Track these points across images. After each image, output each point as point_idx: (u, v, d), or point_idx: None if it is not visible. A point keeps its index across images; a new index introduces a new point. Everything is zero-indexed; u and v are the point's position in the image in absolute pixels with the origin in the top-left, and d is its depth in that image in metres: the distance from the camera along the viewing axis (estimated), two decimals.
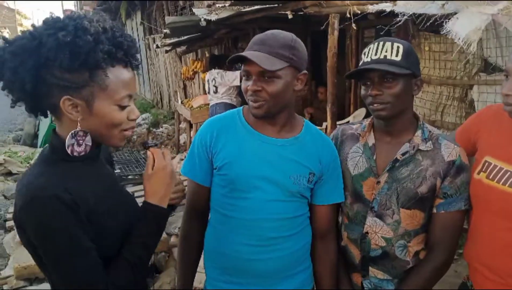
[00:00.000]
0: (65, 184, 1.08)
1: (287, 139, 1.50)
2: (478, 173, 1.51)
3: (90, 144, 1.17)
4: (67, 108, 1.10)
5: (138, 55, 1.21)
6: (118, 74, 1.13)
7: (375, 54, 1.46)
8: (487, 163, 1.50)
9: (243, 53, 1.39)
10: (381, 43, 1.48)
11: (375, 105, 1.48)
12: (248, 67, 1.41)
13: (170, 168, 1.26)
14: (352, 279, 1.68)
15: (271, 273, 1.51)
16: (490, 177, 1.46)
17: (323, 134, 1.61)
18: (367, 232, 1.58)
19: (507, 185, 1.42)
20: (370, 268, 1.61)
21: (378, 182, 1.55)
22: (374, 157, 1.57)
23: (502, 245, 1.45)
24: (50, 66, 1.06)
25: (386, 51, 1.45)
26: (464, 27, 2.24)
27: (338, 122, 4.25)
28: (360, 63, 1.51)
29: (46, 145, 1.22)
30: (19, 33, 1.13)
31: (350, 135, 1.66)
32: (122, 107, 1.16)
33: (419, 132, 1.53)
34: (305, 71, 1.47)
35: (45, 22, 1.10)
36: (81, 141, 1.14)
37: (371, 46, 1.50)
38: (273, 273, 1.51)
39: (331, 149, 1.58)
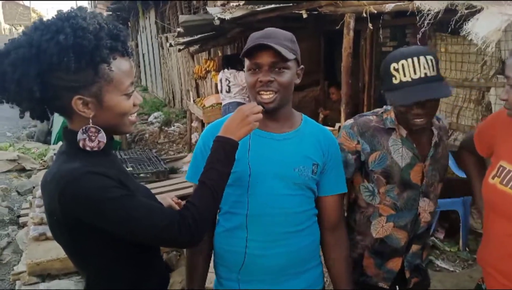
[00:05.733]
0: (92, 166, 1.13)
1: (288, 132, 1.52)
2: (493, 178, 1.51)
3: (104, 140, 1.20)
4: (79, 107, 1.13)
5: (129, 42, 1.26)
6: (120, 65, 1.18)
7: (415, 73, 1.46)
8: (501, 168, 1.49)
9: (261, 42, 1.38)
10: (416, 58, 1.47)
11: (422, 120, 1.54)
12: (258, 59, 1.40)
13: (248, 113, 1.34)
14: (387, 266, 1.72)
15: (279, 269, 1.51)
16: (504, 183, 1.45)
17: (321, 126, 1.65)
18: (419, 213, 1.69)
19: None
20: (413, 245, 1.72)
21: (425, 166, 1.65)
22: (414, 145, 1.64)
23: None
24: (54, 70, 1.08)
25: (424, 68, 1.46)
26: (484, 27, 2.21)
27: None
28: (397, 81, 1.50)
29: (61, 143, 1.25)
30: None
31: (376, 129, 1.66)
32: (128, 95, 1.21)
33: None
34: (302, 66, 1.51)
35: (37, 27, 1.10)
36: (93, 137, 1.17)
37: (404, 62, 1.48)
38: (281, 269, 1.51)
39: (332, 140, 1.59)
